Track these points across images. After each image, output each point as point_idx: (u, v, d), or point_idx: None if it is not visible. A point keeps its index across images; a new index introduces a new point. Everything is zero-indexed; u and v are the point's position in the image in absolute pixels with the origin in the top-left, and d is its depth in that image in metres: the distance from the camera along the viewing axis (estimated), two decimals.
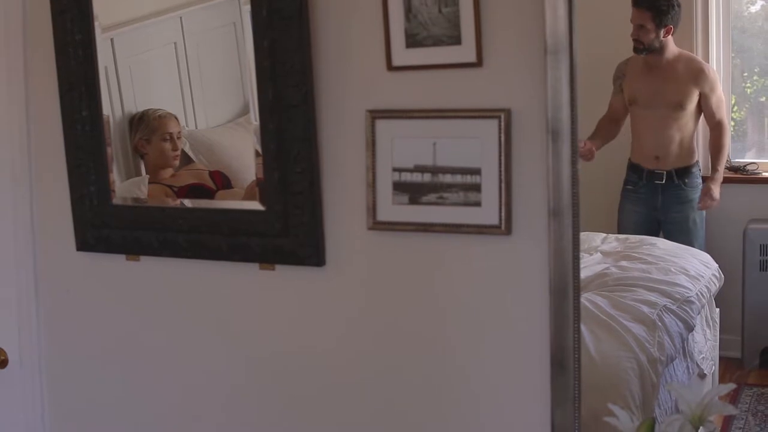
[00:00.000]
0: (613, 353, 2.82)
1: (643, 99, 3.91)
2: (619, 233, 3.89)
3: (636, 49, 3.89)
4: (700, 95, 3.93)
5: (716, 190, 3.97)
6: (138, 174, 2.47)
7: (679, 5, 3.89)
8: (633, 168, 4.01)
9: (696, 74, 3.96)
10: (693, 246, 3.81)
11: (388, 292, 2.19)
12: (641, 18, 3.86)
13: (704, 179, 4.01)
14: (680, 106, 3.93)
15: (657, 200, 4.01)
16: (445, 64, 2.05)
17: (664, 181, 3.97)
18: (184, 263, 2.39)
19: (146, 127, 2.41)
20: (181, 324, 2.45)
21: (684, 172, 3.98)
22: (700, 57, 4.12)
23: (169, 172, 2.44)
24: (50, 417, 2.65)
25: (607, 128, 3.91)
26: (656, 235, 3.92)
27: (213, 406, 2.43)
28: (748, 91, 4.65)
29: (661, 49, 3.89)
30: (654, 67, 3.94)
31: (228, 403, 2.41)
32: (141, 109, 2.44)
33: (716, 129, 3.99)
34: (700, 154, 4.06)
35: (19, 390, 2.61)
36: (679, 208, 4.00)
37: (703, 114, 3.96)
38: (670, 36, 3.87)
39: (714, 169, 4.00)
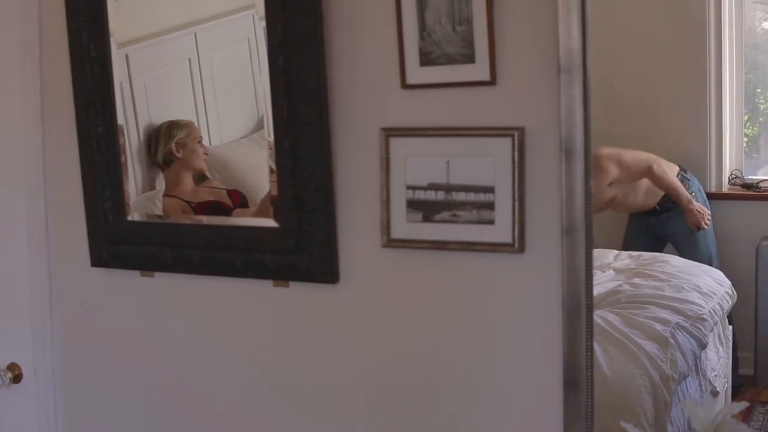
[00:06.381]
0: (626, 371, 2.81)
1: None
2: (623, 249, 3.88)
3: None
4: (610, 183, 3.90)
5: (698, 205, 3.93)
6: (153, 188, 2.48)
7: None
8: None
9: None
10: (702, 255, 3.79)
11: (401, 309, 2.19)
12: None
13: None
14: (613, 197, 3.90)
15: (656, 218, 4.00)
16: (459, 82, 2.06)
17: (659, 210, 3.97)
18: (198, 279, 2.40)
19: (181, 129, 2.42)
20: (194, 340, 2.45)
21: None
22: (713, 74, 4.11)
23: (189, 185, 2.44)
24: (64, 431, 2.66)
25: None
26: (660, 249, 3.91)
27: (226, 421, 2.44)
28: (762, 107, 4.64)
29: None
30: None
31: (241, 419, 2.41)
32: (156, 123, 2.45)
33: (648, 175, 3.94)
34: (684, 159, 4.01)
35: (33, 404, 2.61)
36: (678, 219, 3.98)
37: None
38: None
39: (679, 200, 3.94)
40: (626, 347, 2.88)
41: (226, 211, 2.39)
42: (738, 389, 3.74)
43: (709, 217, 3.95)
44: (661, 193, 3.95)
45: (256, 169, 2.32)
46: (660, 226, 3.98)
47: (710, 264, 3.79)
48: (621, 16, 3.85)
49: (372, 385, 2.25)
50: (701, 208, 3.93)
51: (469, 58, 2.03)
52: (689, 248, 3.87)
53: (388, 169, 2.14)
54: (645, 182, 3.95)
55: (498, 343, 2.10)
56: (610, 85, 3.63)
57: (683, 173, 4.01)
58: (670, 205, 3.95)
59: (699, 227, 3.91)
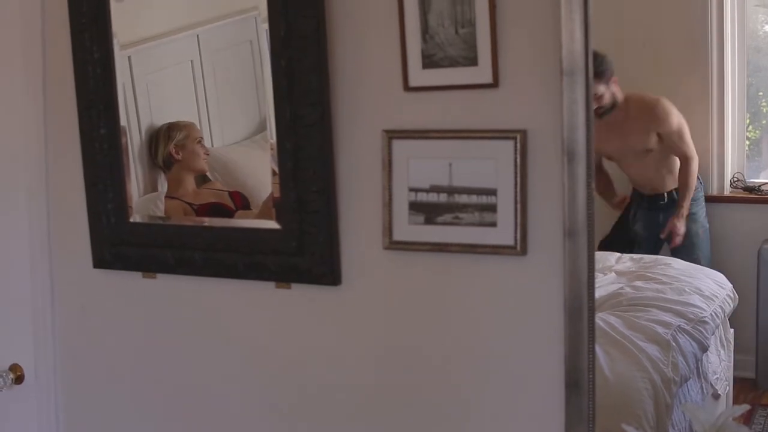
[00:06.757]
0: (628, 373, 2.81)
1: (614, 154, 3.90)
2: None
3: (599, 116, 3.86)
4: (659, 135, 3.91)
5: (681, 225, 3.94)
6: (155, 190, 2.48)
7: (602, 54, 3.84)
8: (636, 192, 4.02)
9: (649, 119, 3.92)
10: (700, 261, 3.80)
11: (403, 311, 2.19)
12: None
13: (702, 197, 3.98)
14: (647, 150, 3.91)
15: (659, 217, 4.00)
16: (462, 85, 2.06)
17: (665, 201, 3.97)
18: (201, 281, 2.40)
19: (180, 131, 2.42)
20: (196, 341, 2.45)
21: None
22: (715, 77, 4.11)
23: (191, 186, 2.45)
24: None
25: (601, 183, 3.90)
26: (658, 251, 3.91)
27: (227, 422, 2.44)
28: (764, 110, 4.64)
29: (614, 102, 3.86)
30: (612, 123, 3.91)
31: (242, 420, 2.42)
32: (158, 124, 2.45)
33: (683, 162, 3.96)
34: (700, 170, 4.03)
35: (34, 405, 2.62)
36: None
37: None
38: (616, 85, 3.84)
39: (679, 205, 3.97)
40: (628, 350, 2.88)
41: (228, 213, 2.39)
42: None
43: (680, 240, 3.93)
44: (676, 185, 3.97)
45: (258, 171, 2.32)
46: (664, 226, 3.99)
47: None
48: (623, 20, 3.85)
49: (373, 387, 2.25)
50: (681, 230, 3.93)
51: (472, 61, 2.03)
52: (686, 250, 3.87)
53: (390, 171, 2.14)
54: (673, 166, 3.96)
55: (499, 345, 2.10)
56: None
57: (698, 178, 4.03)
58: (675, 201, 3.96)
59: (667, 237, 3.91)
